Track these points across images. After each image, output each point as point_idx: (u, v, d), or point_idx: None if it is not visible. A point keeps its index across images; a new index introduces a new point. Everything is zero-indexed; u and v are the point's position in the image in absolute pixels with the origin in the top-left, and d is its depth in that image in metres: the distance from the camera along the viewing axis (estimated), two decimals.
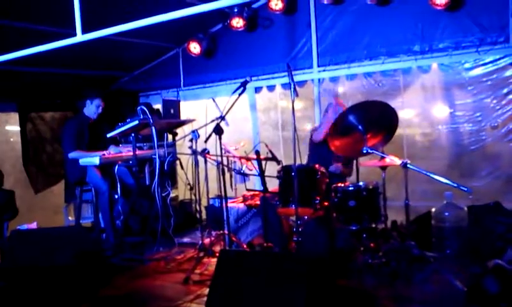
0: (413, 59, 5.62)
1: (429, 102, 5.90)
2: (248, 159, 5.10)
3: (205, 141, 4.85)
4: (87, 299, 4.18)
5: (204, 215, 6.38)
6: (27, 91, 6.83)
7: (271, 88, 6.61)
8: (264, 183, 4.56)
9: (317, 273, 3.21)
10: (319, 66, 6.20)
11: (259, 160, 4.48)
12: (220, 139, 4.66)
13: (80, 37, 3.90)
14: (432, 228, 4.88)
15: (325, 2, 5.82)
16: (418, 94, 5.89)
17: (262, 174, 4.56)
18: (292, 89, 4.06)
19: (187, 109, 7.00)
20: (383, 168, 4.55)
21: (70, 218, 6.82)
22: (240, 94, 4.80)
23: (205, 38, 6.69)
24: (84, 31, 3.95)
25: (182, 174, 5.73)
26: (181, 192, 7.06)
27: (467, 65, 5.42)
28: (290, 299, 3.02)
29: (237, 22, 6.27)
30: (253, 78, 6.43)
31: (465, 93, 5.53)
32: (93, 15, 4.04)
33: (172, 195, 6.96)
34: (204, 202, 5.96)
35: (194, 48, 6.69)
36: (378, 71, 5.85)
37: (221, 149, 4.71)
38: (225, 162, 5.27)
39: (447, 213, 4.73)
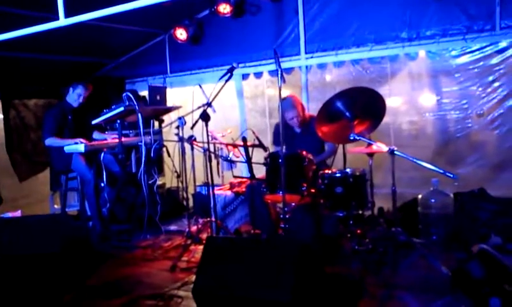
0: (400, 46, 5.60)
1: (416, 90, 5.91)
2: (235, 146, 5.07)
3: (191, 128, 4.81)
4: (73, 287, 4.15)
5: (191, 203, 6.37)
6: (10, 77, 6.70)
7: (258, 75, 6.57)
8: (250, 170, 4.54)
9: (305, 259, 3.20)
10: (306, 53, 6.17)
11: (246, 147, 4.45)
12: (207, 125, 4.63)
13: (63, 21, 3.85)
14: (419, 215, 4.92)
15: None
16: (405, 82, 5.89)
17: (248, 161, 4.53)
18: (279, 76, 4.03)
19: (174, 95, 6.95)
20: (370, 155, 4.55)
21: (55, 206, 6.77)
22: (226, 81, 4.75)
23: (191, 24, 6.61)
24: (68, 14, 3.90)
25: (169, 162, 5.71)
26: (168, 179, 7.02)
27: (454, 53, 5.42)
28: (278, 285, 3.02)
29: (224, 8, 6.19)
30: (240, 65, 6.39)
31: (452, 80, 5.53)
32: None
33: (159, 182, 6.93)
34: (191, 189, 5.95)
35: (181, 34, 6.62)
36: (366, 59, 5.83)
37: (207, 136, 4.67)
38: (212, 149, 5.24)
39: (433, 200, 4.76)
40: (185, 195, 5.75)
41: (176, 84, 7.18)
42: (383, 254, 4.28)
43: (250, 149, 4.85)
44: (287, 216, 4.45)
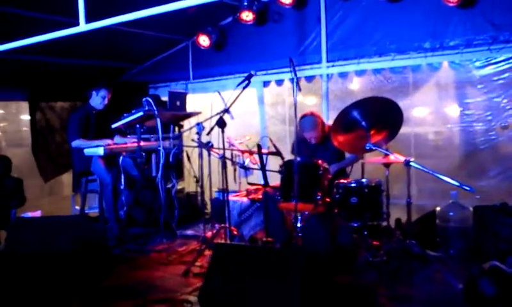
0: (423, 56, 5.52)
1: (438, 100, 5.79)
2: (251, 153, 5.06)
3: (207, 134, 4.84)
4: (87, 288, 4.20)
5: (209, 208, 6.39)
6: (37, 80, 6.87)
7: (280, 83, 6.57)
8: (265, 177, 4.54)
9: (314, 268, 3.17)
10: (328, 61, 6.13)
11: (260, 155, 4.44)
12: (223, 132, 4.64)
13: (83, 26, 3.89)
14: (437, 228, 4.83)
15: None
16: (427, 92, 5.78)
17: (263, 168, 4.53)
18: (295, 84, 4.02)
19: (196, 101, 7.01)
20: (387, 165, 4.49)
21: (77, 207, 6.84)
22: (244, 88, 4.76)
23: (214, 31, 6.67)
24: (89, 20, 3.95)
25: (189, 167, 5.74)
26: (188, 184, 7.08)
27: (478, 63, 5.30)
28: (285, 293, 3.00)
29: (247, 16, 6.21)
30: (262, 72, 6.44)
31: (475, 91, 5.41)
32: (98, 4, 4.04)
33: (179, 187, 6.98)
34: (211, 195, 5.97)
35: (204, 40, 6.68)
36: (387, 68, 5.77)
37: (223, 142, 4.68)
38: (229, 156, 5.25)
39: (451, 213, 4.66)
40: (203, 200, 5.78)
41: (198, 90, 7.23)
42: (397, 267, 4.20)
43: (267, 156, 4.87)
44: (301, 225, 4.44)
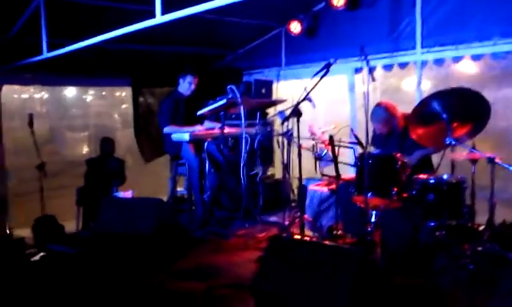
0: None
1: None
2: (328, 143, 4.93)
3: (282, 123, 4.82)
4: (161, 268, 4.43)
5: (295, 196, 6.38)
6: (139, 67, 7.34)
7: (372, 69, 6.26)
8: (336, 169, 4.41)
9: (365, 271, 3.05)
10: (422, 47, 5.76)
11: (333, 146, 4.33)
12: (298, 121, 4.57)
13: (159, 18, 4.04)
14: None
15: None
16: None
17: (335, 159, 4.41)
18: (368, 74, 3.85)
19: (288, 88, 6.99)
20: (473, 161, 4.13)
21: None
22: (322, 77, 4.64)
23: (306, 17, 6.57)
24: (168, 9, 4.07)
25: (279, 153, 5.74)
26: (279, 171, 7.12)
27: None
28: (334, 292, 2.92)
29: (338, 1, 6.03)
30: (354, 58, 6.23)
31: None
32: None
33: (269, 173, 7.07)
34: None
35: (295, 28, 6.61)
36: (488, 54, 5.27)
37: (298, 131, 4.61)
38: (310, 145, 5.18)
39: None
40: (291, 187, 5.78)
41: (290, 77, 7.19)
42: (481, 273, 3.87)
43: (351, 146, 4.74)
44: (377, 220, 4.29)
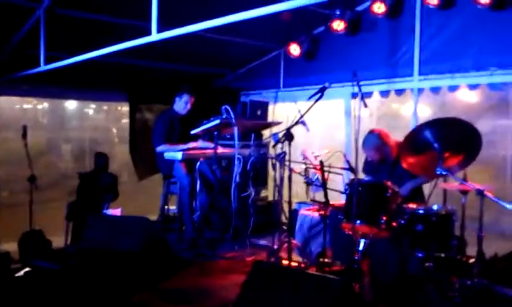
0: None
1: None
2: (318, 168, 4.89)
3: (273, 147, 4.79)
4: (147, 288, 4.35)
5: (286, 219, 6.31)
6: (137, 83, 7.33)
7: (369, 95, 6.25)
8: (326, 194, 4.36)
9: (351, 299, 2.98)
10: (420, 74, 5.74)
11: (322, 171, 4.28)
12: (289, 145, 4.54)
13: (155, 36, 4.03)
14: None
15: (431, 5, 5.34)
16: None
17: (324, 185, 4.35)
18: (360, 100, 3.82)
19: (285, 110, 6.94)
20: (464, 192, 4.07)
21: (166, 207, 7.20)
22: (317, 100, 4.62)
23: (305, 40, 6.55)
24: (165, 26, 4.06)
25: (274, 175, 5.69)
26: (272, 193, 7.05)
27: None
28: None
29: (338, 25, 6.00)
30: (351, 83, 6.18)
31: None
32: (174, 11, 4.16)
33: (262, 195, 7.01)
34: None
35: (294, 50, 6.60)
36: (485, 84, 5.24)
37: (289, 155, 4.58)
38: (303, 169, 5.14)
39: None
40: (282, 211, 5.71)
41: (288, 99, 7.14)
42: None
43: (343, 172, 4.69)
44: (365, 248, 4.22)
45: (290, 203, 4.74)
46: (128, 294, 4.12)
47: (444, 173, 3.82)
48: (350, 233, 4.22)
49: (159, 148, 5.87)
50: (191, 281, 4.72)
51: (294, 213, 6.12)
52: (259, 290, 3.20)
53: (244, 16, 3.49)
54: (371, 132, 4.79)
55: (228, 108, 5.34)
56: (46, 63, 5.24)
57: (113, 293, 4.10)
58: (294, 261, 5.01)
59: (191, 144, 5.85)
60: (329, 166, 4.61)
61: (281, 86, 7.27)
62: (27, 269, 4.68)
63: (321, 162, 4.33)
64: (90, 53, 4.82)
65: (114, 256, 4.38)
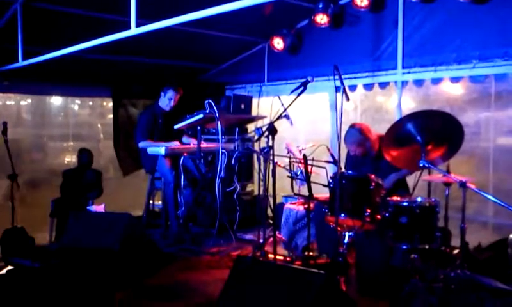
0: (510, 65, 4.96)
1: None
2: (300, 162, 4.88)
3: (256, 141, 4.77)
4: (130, 284, 4.32)
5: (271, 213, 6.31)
6: (120, 78, 7.27)
7: (353, 88, 6.26)
8: (309, 188, 4.35)
9: (329, 293, 2.98)
10: (403, 67, 5.75)
11: (306, 165, 4.27)
12: (273, 139, 4.52)
13: (134, 30, 4.00)
14: (509, 257, 4.31)
15: None
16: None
17: (307, 178, 4.35)
18: (342, 93, 3.81)
19: (270, 104, 6.92)
20: (447, 184, 4.09)
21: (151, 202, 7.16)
22: (299, 94, 4.60)
23: (289, 33, 6.54)
24: (145, 19, 4.01)
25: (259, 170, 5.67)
26: (258, 187, 7.04)
27: None
28: None
29: (321, 19, 6.00)
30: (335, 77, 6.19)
31: None
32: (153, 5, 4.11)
33: (248, 189, 6.99)
34: (278, 199, 5.86)
35: (278, 43, 6.58)
36: (467, 76, 5.26)
37: (272, 149, 4.56)
38: (287, 163, 5.12)
39: None
40: (268, 205, 5.70)
41: (272, 93, 7.12)
42: (451, 298, 3.80)
43: (327, 165, 4.68)
44: (350, 241, 4.24)
45: (274, 197, 4.73)
46: (111, 291, 4.08)
47: (427, 165, 3.83)
48: (334, 226, 4.23)
49: (141, 144, 5.83)
50: (176, 276, 4.70)
51: (279, 207, 6.13)
52: (241, 285, 3.18)
53: (223, 9, 3.48)
54: (352, 127, 4.79)
55: (212, 102, 5.30)
56: (24, 58, 5.16)
57: (95, 290, 4.06)
58: (280, 255, 5.00)
59: (174, 143, 5.81)
60: (313, 159, 4.59)
61: (266, 80, 7.24)
62: (9, 267, 4.63)
63: (304, 156, 4.32)
64: (69, 48, 4.77)
65: (96, 253, 4.33)
